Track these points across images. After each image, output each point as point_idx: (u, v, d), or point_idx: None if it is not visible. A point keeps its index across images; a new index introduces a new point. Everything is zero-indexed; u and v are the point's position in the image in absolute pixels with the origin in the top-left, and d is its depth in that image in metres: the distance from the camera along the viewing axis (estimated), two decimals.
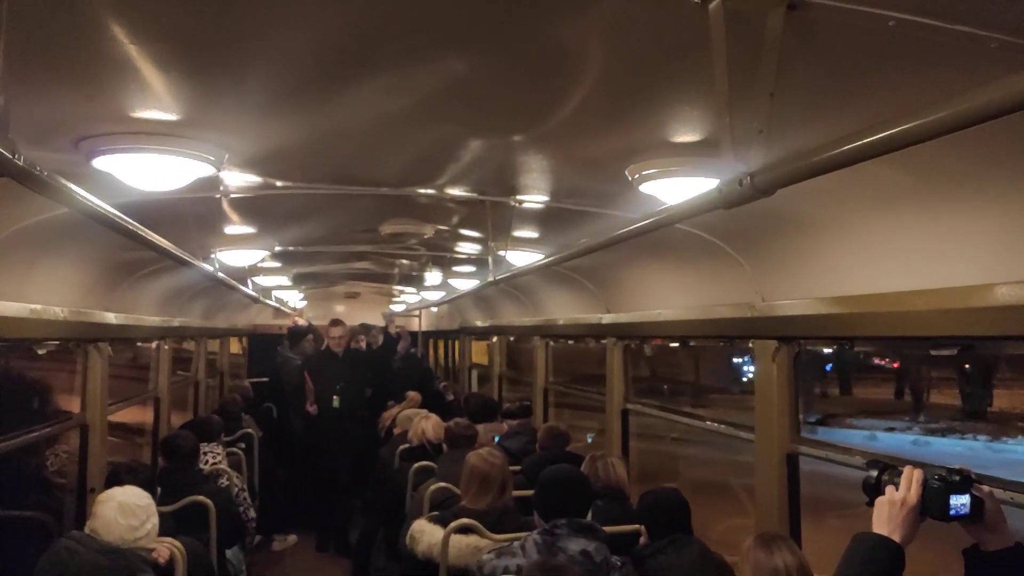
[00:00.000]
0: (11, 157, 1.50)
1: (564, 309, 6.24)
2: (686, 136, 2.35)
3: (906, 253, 2.60)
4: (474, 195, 3.62)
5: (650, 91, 2.07)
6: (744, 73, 1.52)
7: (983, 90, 1.15)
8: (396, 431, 6.38)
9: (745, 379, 13.00)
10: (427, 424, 5.50)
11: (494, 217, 4.04)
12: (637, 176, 2.60)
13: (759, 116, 1.54)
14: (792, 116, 1.79)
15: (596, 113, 2.29)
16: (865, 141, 1.31)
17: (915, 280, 2.50)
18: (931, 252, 2.48)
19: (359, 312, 11.23)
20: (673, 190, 2.61)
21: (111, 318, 4.69)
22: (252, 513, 5.69)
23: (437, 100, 2.23)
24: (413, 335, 10.12)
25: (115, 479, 3.55)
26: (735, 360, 15.76)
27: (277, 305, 9.86)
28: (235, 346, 11.15)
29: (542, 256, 4.06)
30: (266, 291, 8.23)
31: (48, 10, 1.57)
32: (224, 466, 5.43)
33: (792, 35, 1.52)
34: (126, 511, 3.03)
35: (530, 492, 3.64)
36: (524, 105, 2.27)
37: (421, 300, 10.27)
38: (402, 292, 10.59)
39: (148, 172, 2.37)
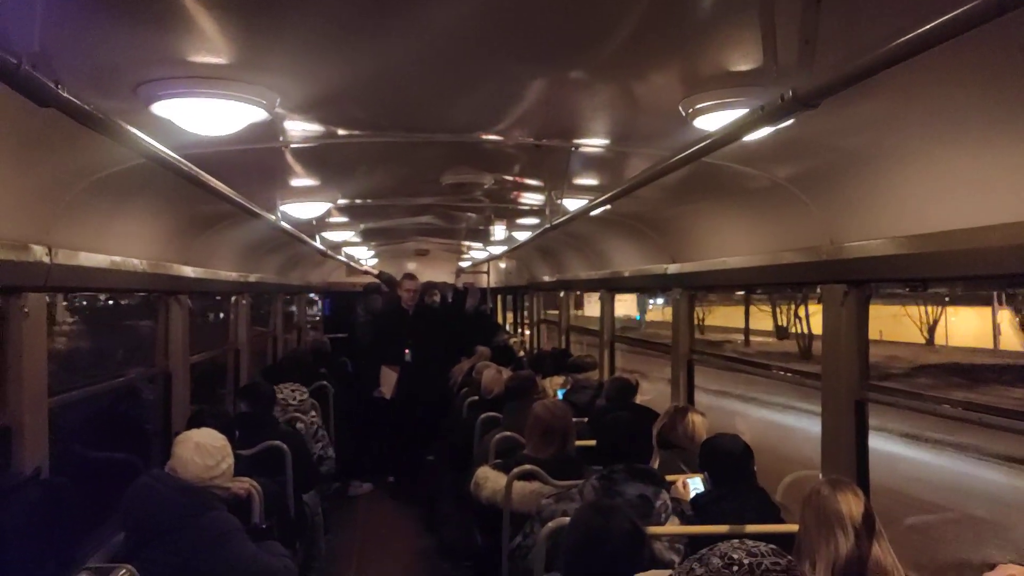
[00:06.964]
0: (53, 87, 1.47)
1: (629, 261, 6.15)
2: (738, 64, 2.21)
3: (977, 186, 2.43)
4: (531, 140, 3.58)
5: (700, 14, 1.95)
6: None
7: None
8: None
9: None
10: (502, 378, 5.64)
11: (552, 164, 3.99)
12: (691, 110, 2.49)
13: (806, 25, 1.44)
14: (840, 24, 1.66)
15: (648, 41, 2.17)
16: (910, 36, 1.19)
17: (988, 214, 2.34)
18: (1003, 183, 2.31)
19: (429, 269, 11.37)
20: (727, 123, 2.48)
21: (188, 271, 4.87)
22: (331, 451, 5.91)
23: (492, 32, 2.15)
24: (483, 291, 10.18)
25: (198, 421, 3.68)
26: None
27: (347, 261, 10.07)
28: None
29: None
30: (336, 247, 8.39)
31: None
32: (299, 411, 5.66)
33: None
34: (202, 451, 3.14)
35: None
36: (578, 34, 2.17)
37: (488, 255, 10.31)
38: (470, 248, 10.64)
39: (202, 117, 2.41)
